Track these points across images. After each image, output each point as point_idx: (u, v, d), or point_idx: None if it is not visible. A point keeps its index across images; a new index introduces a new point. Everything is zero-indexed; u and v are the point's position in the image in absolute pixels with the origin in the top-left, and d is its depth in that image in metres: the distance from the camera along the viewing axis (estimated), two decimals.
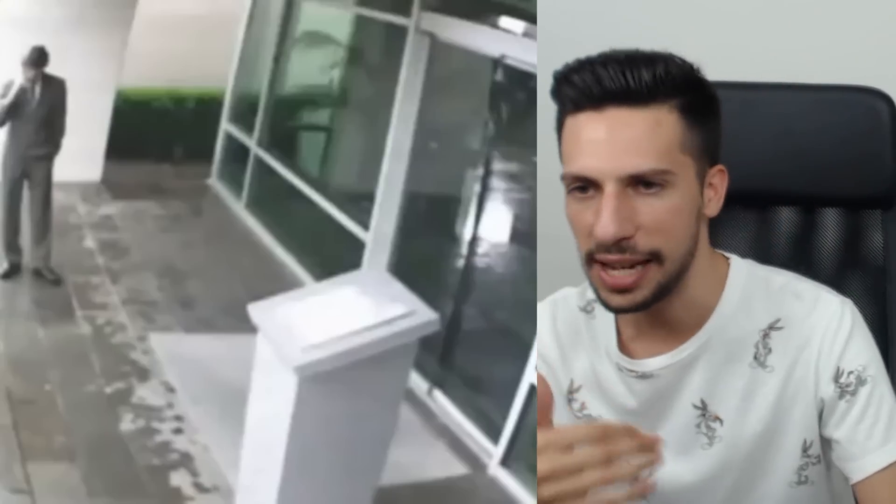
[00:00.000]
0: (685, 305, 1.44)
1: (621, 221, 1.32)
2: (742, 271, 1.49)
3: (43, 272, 4.62)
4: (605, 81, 1.32)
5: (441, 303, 3.50)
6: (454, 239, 4.15)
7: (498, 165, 3.89)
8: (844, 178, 1.80)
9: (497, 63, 3.72)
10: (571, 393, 1.56)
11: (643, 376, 1.49)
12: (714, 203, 1.41)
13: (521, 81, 3.60)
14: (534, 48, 2.91)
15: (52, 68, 4.50)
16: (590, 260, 1.38)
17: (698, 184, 1.38)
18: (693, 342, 1.46)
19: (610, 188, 1.32)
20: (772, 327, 1.46)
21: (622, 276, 1.35)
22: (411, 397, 3.62)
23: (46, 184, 4.62)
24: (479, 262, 4.00)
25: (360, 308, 2.66)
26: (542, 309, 1.62)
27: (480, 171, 3.88)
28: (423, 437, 3.58)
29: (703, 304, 1.46)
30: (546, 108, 2.84)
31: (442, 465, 3.43)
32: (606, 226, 1.31)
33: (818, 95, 1.55)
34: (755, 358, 1.46)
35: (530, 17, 3.39)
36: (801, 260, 1.89)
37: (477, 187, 3.90)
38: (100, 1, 5.87)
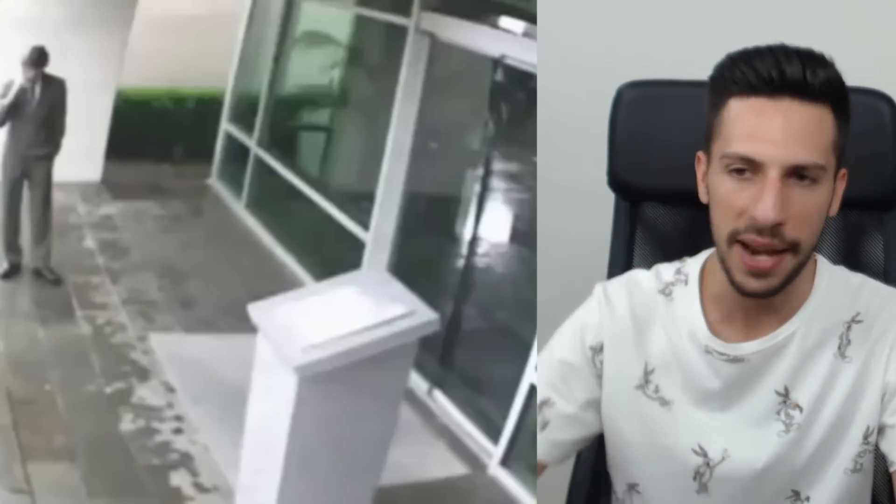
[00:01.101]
0: (787, 294, 1.49)
1: (781, 207, 1.37)
2: (827, 267, 1.56)
3: (43, 272, 4.62)
4: (787, 72, 1.37)
5: (441, 303, 3.50)
6: (454, 239, 4.15)
7: (498, 165, 3.89)
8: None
9: (497, 63, 3.72)
10: (647, 375, 1.59)
11: (734, 360, 1.52)
12: (836, 203, 1.47)
13: (521, 81, 3.61)
14: (534, 48, 2.91)
15: (52, 68, 4.50)
16: (732, 240, 1.43)
17: (833, 183, 1.44)
18: (786, 328, 1.51)
19: (774, 174, 1.37)
20: (853, 320, 1.52)
21: (764, 261, 1.41)
22: (411, 397, 3.63)
23: (46, 184, 4.62)
24: (479, 262, 4.00)
25: (360, 308, 2.66)
26: (617, 289, 1.63)
27: (480, 171, 3.88)
28: (423, 437, 3.59)
29: (798, 294, 1.51)
30: (546, 108, 2.84)
31: (442, 465, 3.43)
32: (768, 209, 1.37)
33: None
34: (838, 348, 1.51)
35: (530, 17, 3.40)
36: None
37: (477, 187, 3.91)
38: (100, 1, 5.87)
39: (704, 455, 1.55)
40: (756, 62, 1.40)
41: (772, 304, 1.50)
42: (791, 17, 2.47)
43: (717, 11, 2.51)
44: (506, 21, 3.78)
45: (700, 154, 1.49)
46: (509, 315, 3.86)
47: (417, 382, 3.80)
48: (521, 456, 3.35)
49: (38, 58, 4.42)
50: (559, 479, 2.01)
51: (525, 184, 3.83)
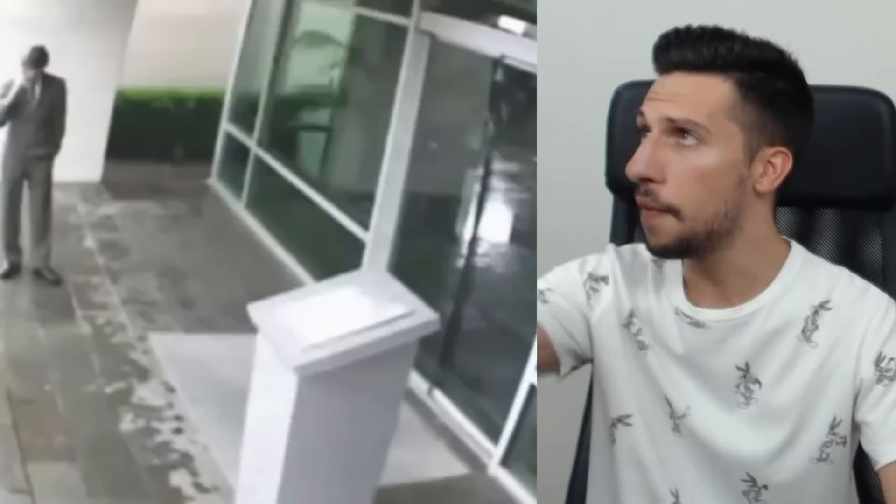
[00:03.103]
0: (736, 271, 1.53)
1: (649, 163, 1.45)
2: (801, 254, 1.58)
3: (43, 272, 4.62)
4: (672, 54, 1.51)
5: (441, 303, 3.50)
6: (454, 239, 4.15)
7: (498, 165, 3.89)
8: (843, 179, 1.80)
9: (497, 63, 3.72)
10: (631, 317, 1.64)
11: (696, 324, 1.56)
12: (767, 180, 1.49)
13: (521, 81, 3.61)
14: (534, 48, 2.92)
15: (52, 68, 4.50)
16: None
17: (745, 155, 1.47)
18: (750, 305, 1.53)
19: (654, 132, 1.47)
20: (822, 306, 1.53)
21: (645, 216, 1.49)
22: (411, 397, 3.63)
23: (46, 184, 4.62)
24: (479, 262, 4.01)
25: (360, 308, 2.66)
26: (617, 249, 1.71)
27: (480, 171, 3.88)
28: (423, 437, 3.59)
29: (758, 274, 1.54)
30: (546, 108, 2.84)
31: (442, 465, 3.43)
32: (634, 163, 1.46)
33: (818, 96, 1.54)
34: (803, 332, 1.53)
35: (530, 17, 3.40)
36: None
37: (477, 187, 3.91)
38: (100, 1, 5.87)
39: (670, 406, 1.60)
40: (665, 46, 1.53)
41: (725, 280, 1.54)
42: (791, 17, 2.47)
43: (717, 12, 2.50)
44: (506, 21, 3.78)
45: None
46: (509, 315, 3.86)
47: (417, 382, 3.80)
48: (521, 456, 3.35)
49: (38, 58, 4.42)
50: (560, 479, 2.01)
51: (525, 184, 3.83)
